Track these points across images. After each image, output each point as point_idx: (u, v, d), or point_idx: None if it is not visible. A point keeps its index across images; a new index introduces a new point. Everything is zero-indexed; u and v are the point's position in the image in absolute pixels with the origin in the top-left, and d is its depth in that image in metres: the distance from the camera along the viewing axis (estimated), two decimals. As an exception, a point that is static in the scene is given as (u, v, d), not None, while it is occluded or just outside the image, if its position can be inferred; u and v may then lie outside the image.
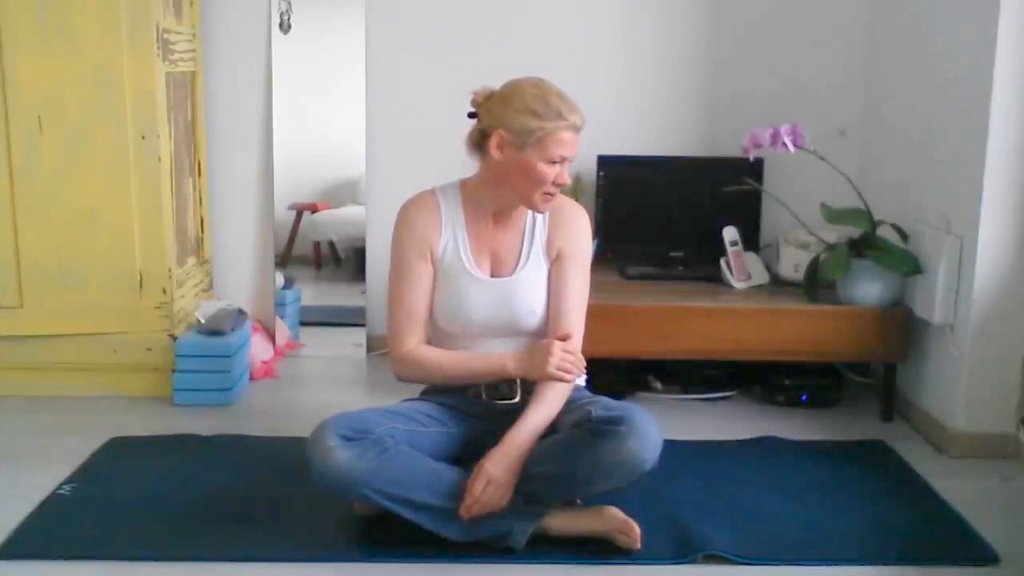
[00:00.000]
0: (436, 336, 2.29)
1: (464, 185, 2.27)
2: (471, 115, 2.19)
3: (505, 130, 2.09)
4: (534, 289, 2.23)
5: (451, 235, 2.22)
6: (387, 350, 2.30)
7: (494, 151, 2.11)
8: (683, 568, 2.02)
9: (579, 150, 2.16)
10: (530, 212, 2.25)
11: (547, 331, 2.22)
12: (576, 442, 2.02)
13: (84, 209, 2.89)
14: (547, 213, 2.25)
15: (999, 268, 2.57)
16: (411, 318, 2.22)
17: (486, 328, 2.21)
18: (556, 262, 2.25)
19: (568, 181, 2.15)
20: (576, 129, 2.12)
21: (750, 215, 3.21)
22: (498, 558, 2.03)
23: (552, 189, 2.13)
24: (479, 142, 2.18)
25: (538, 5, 3.34)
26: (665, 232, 3.27)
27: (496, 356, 2.18)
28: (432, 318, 2.26)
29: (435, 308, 2.24)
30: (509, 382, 2.20)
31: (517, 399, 2.19)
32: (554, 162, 2.10)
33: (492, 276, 2.22)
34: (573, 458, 2.01)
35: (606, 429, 1.98)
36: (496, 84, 2.19)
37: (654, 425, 2.01)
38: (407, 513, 2.03)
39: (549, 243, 2.25)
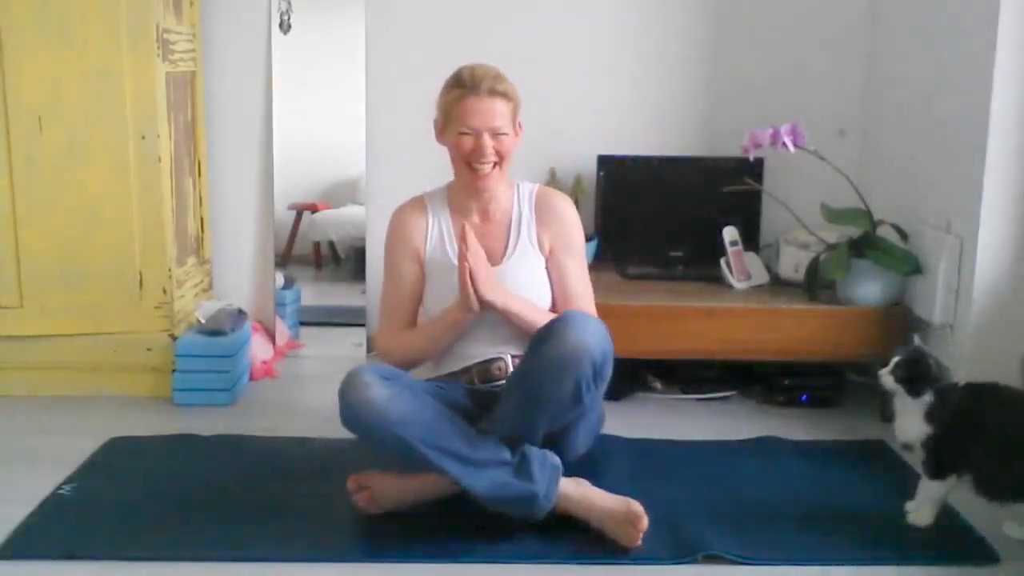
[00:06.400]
0: None
1: (451, 186, 2.34)
2: None
3: (438, 114, 2.20)
4: (523, 279, 2.27)
5: (437, 233, 2.30)
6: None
7: (436, 138, 2.23)
8: (683, 568, 2.02)
9: (503, 119, 2.14)
10: (516, 204, 2.31)
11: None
12: (524, 361, 2.08)
13: (84, 209, 2.89)
14: (534, 206, 2.30)
15: (999, 268, 2.57)
16: (392, 315, 2.32)
17: (479, 318, 2.22)
18: (551, 256, 2.30)
19: (488, 152, 2.15)
20: (477, 92, 2.13)
21: (750, 215, 3.21)
22: (499, 558, 2.02)
23: (476, 164, 2.17)
24: None
25: (538, 6, 3.33)
26: (665, 232, 3.27)
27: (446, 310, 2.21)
28: (427, 315, 2.30)
29: (427, 305, 2.29)
30: (500, 365, 2.25)
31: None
32: (465, 133, 2.15)
33: None
34: (525, 373, 2.05)
35: (545, 329, 2.04)
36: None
37: (595, 320, 2.08)
38: (438, 459, 2.00)
39: (539, 238, 2.30)
